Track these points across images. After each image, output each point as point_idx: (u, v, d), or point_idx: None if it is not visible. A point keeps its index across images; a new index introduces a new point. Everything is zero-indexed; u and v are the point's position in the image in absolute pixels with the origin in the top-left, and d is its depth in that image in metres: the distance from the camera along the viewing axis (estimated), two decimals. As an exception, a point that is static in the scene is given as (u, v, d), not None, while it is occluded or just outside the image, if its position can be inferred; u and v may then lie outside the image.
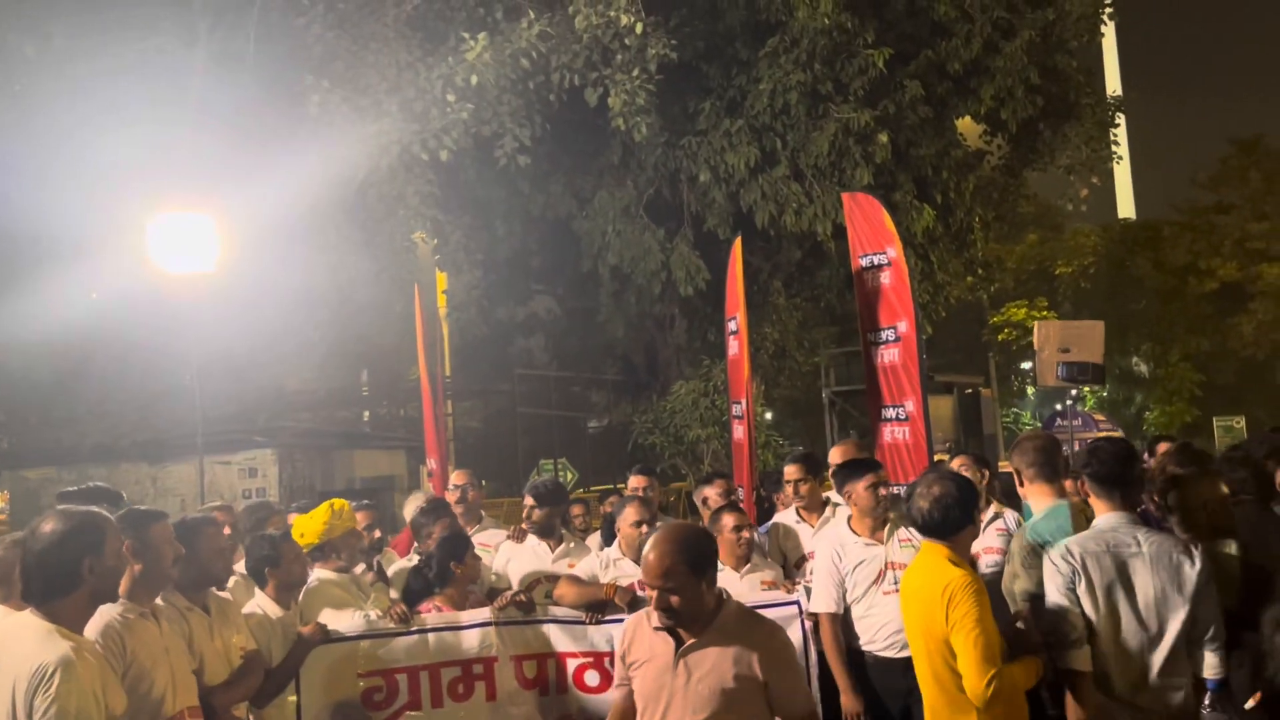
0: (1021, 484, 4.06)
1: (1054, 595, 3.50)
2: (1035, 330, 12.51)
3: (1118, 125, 18.30)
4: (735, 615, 3.22)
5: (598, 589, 4.97)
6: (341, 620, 4.56)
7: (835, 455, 5.63)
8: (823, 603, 4.82)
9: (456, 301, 15.75)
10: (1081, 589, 3.46)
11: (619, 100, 11.78)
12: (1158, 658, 3.41)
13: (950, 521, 3.51)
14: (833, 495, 5.45)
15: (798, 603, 4.98)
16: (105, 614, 3.26)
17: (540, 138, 12.12)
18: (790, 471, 5.57)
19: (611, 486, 9.20)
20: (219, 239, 9.06)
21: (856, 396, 21.72)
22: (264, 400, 13.52)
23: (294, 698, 4.41)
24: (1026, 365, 40.75)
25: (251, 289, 10.68)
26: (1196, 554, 3.48)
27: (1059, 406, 36.65)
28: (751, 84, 13.97)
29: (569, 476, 17.69)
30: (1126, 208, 61.47)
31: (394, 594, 5.11)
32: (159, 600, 3.61)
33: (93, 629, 3.18)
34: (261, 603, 4.40)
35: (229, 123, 10.19)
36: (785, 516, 5.73)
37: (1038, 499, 3.99)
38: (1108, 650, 3.44)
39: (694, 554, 3.11)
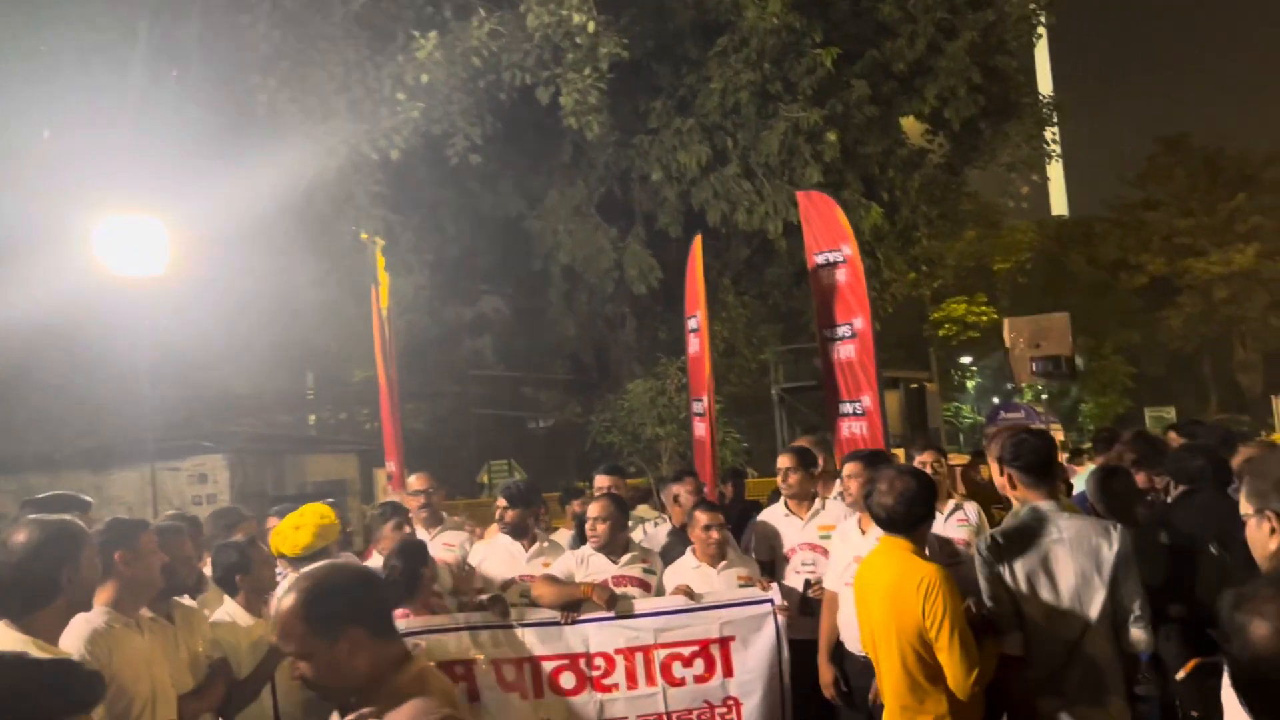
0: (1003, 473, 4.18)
1: (983, 584, 3.60)
2: (1005, 327, 12.83)
3: (1054, 124, 18.74)
4: (412, 682, 2.24)
5: (575, 588, 4.98)
6: None
7: (785, 460, 5.70)
8: (831, 581, 4.91)
9: (405, 303, 15.58)
10: (1007, 576, 3.55)
11: (570, 99, 11.75)
12: (1083, 639, 3.50)
13: (914, 516, 3.59)
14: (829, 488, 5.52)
15: (770, 600, 5.04)
16: (89, 623, 3.18)
17: (491, 137, 12.05)
18: (782, 460, 5.61)
19: (581, 485, 9.19)
20: (166, 241, 8.85)
21: (804, 393, 21.96)
22: (210, 405, 13.24)
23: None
24: (966, 359, 41.55)
25: (199, 292, 10.46)
26: (1115, 535, 3.58)
27: (995, 400, 37.42)
28: (702, 83, 14.05)
29: (518, 477, 17.63)
30: (1060, 205, 62.92)
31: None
32: (144, 610, 3.53)
33: (76, 639, 3.09)
34: (231, 610, 4.31)
35: (174, 123, 9.97)
36: (773, 511, 5.77)
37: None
38: (1033, 636, 3.53)
39: (321, 608, 2.19)
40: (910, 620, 3.45)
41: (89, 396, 10.41)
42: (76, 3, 10.28)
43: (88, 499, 4.35)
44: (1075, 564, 3.53)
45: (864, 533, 4.82)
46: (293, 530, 4.62)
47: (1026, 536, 3.59)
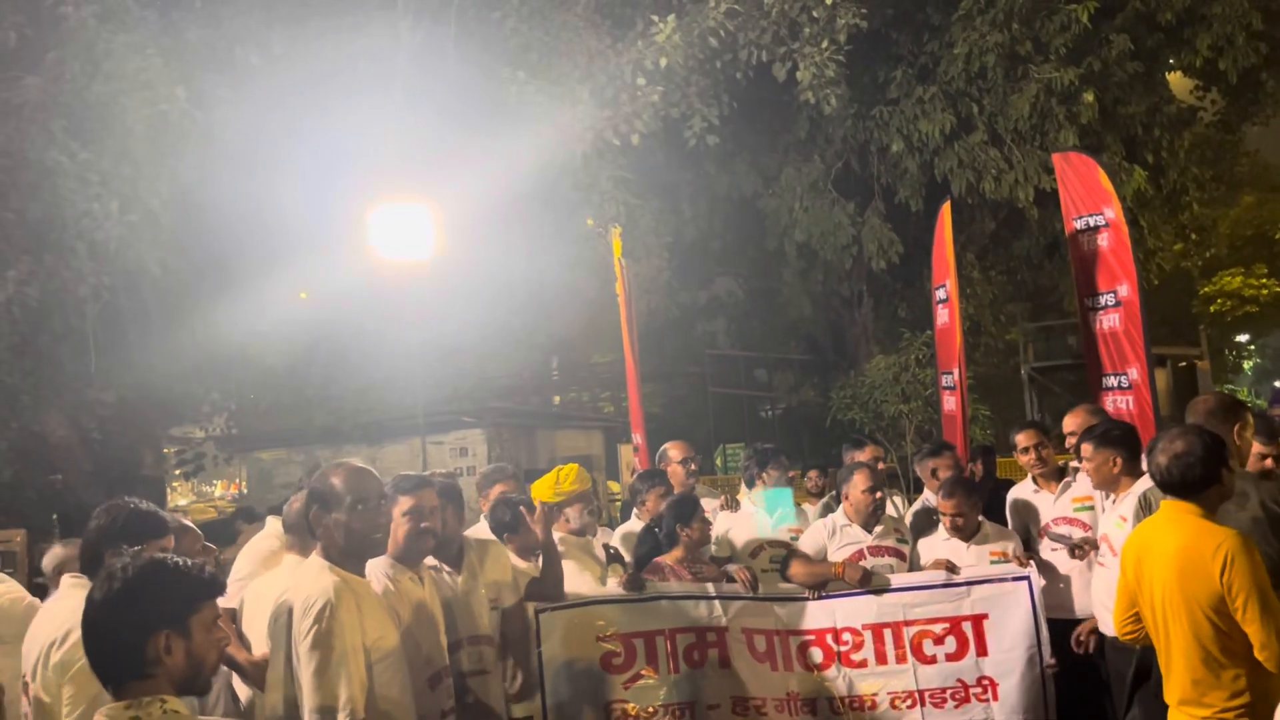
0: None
1: None
2: None
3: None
4: None
5: (827, 567, 4.99)
6: (579, 588, 4.72)
7: (1071, 422, 5.40)
8: None
9: (645, 285, 15.96)
10: None
11: (808, 73, 11.62)
12: None
13: (1195, 477, 3.33)
14: (1071, 462, 5.25)
15: (1028, 577, 4.85)
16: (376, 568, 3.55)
17: (727, 117, 12.11)
18: (1023, 438, 5.39)
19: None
20: (433, 228, 9.51)
21: (1056, 373, 20.78)
22: (469, 385, 14.10)
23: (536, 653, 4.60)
24: (1243, 337, 37.91)
25: (459, 278, 11.15)
26: None
27: (1278, 384, 33.96)
28: (944, 49, 13.52)
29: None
30: (1357, 162, 56.09)
31: (626, 556, 5.27)
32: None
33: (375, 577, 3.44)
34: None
35: (434, 117, 10.66)
36: (1023, 488, 5.56)
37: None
38: None
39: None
40: (1206, 589, 3.19)
41: (366, 375, 11.33)
42: (347, 13, 11.20)
43: None
44: None
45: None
46: (554, 481, 4.88)
47: None
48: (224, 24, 9.58)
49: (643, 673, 4.71)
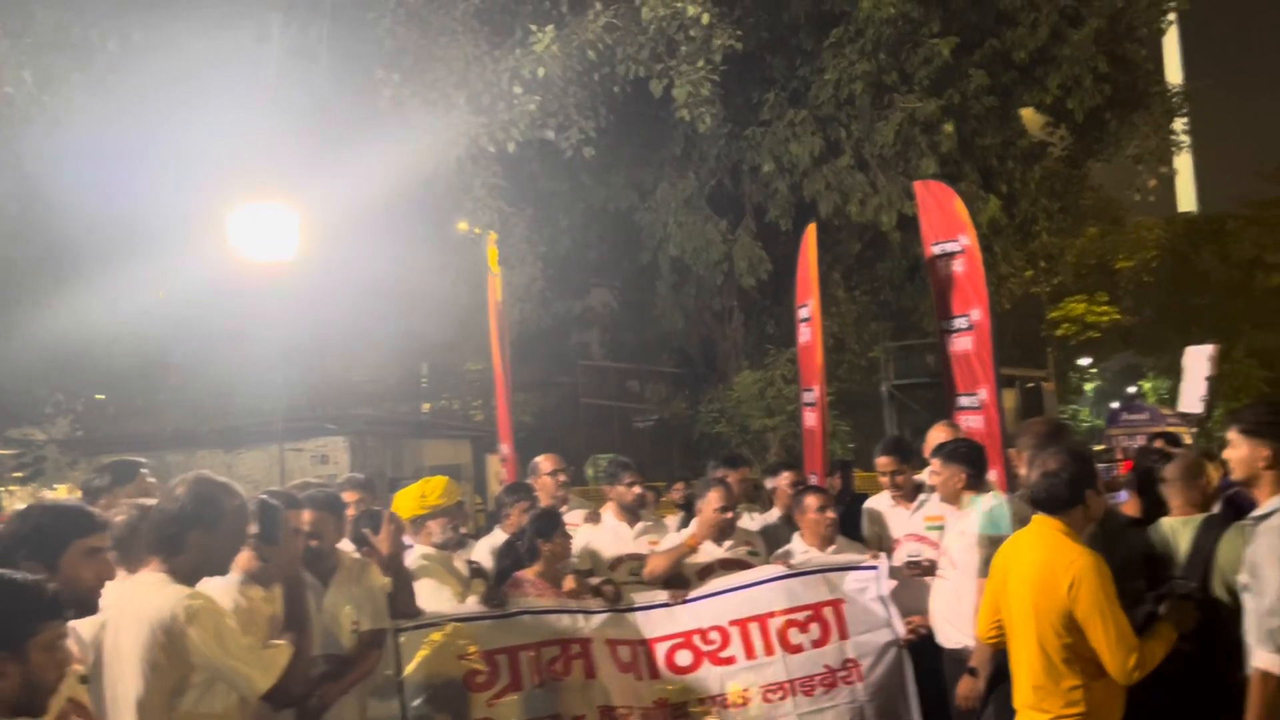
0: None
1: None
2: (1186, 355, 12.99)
3: (1184, 114, 17.97)
4: None
5: (681, 545, 5.12)
6: (438, 605, 4.64)
7: (933, 438, 5.62)
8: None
9: (518, 294, 15.87)
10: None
11: (683, 91, 11.81)
12: None
13: (1063, 497, 3.53)
14: (925, 478, 5.45)
15: (876, 567, 5.03)
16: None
17: (604, 129, 12.19)
18: (885, 463, 5.58)
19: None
20: (297, 229, 9.24)
21: (915, 390, 21.56)
22: (333, 391, 13.75)
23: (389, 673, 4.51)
24: (1085, 361, 40.15)
25: (324, 281, 10.87)
26: None
27: (1115, 405, 36.07)
28: (815, 74, 13.94)
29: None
30: (1188, 201, 60.17)
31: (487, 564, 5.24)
32: None
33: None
34: None
35: (304, 117, 10.37)
36: (880, 499, 5.74)
37: None
38: None
39: None
40: (1054, 602, 3.39)
41: (223, 379, 10.91)
42: (215, 5, 10.80)
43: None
44: None
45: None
46: (420, 493, 4.80)
47: None
48: (80, 6, 9.10)
49: (507, 689, 4.66)
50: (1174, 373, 32.44)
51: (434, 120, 11.00)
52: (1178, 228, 41.66)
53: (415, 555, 4.83)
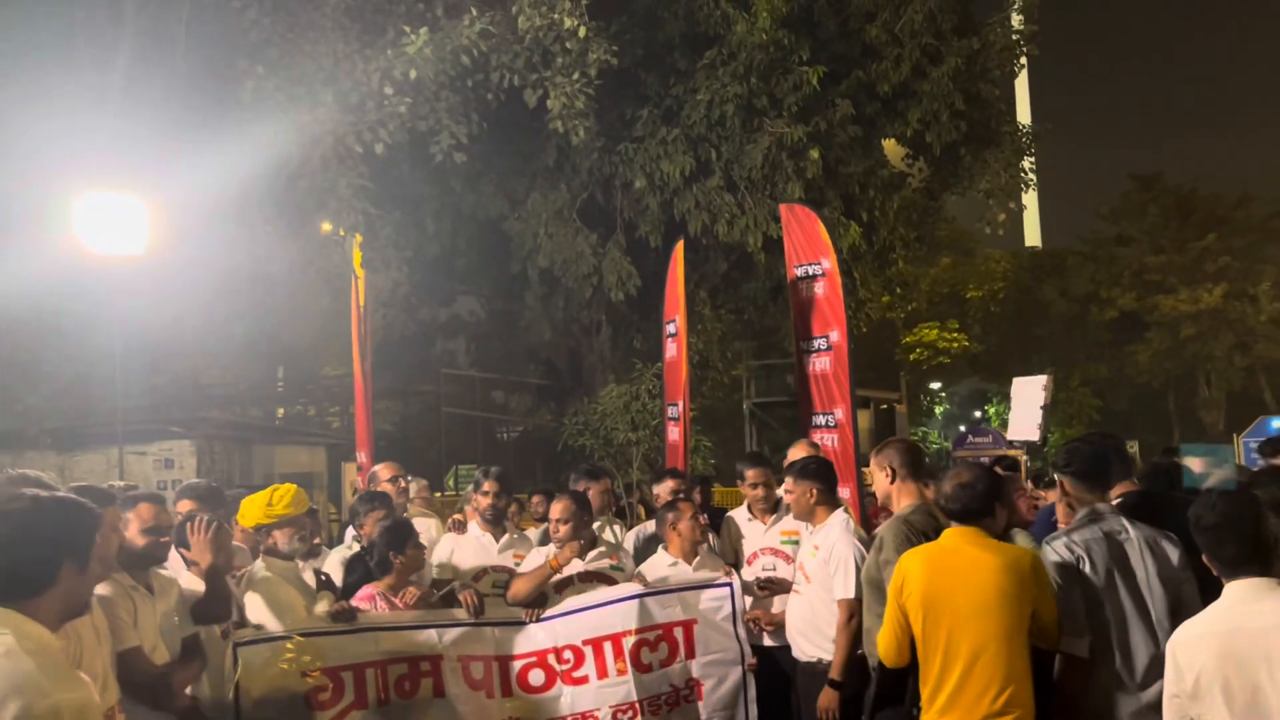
0: (892, 481, 4.35)
1: (1058, 583, 3.62)
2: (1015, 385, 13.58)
3: (1032, 154, 18.97)
4: None
5: (545, 567, 5.03)
6: (281, 617, 4.46)
7: (795, 454, 5.74)
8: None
9: (382, 298, 15.52)
10: (1086, 572, 3.60)
11: (558, 102, 11.79)
12: (1154, 641, 3.53)
13: (985, 506, 3.72)
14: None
15: (730, 585, 5.10)
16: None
17: (476, 136, 12.05)
18: (755, 475, 5.66)
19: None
20: (147, 222, 8.80)
21: (775, 409, 22.06)
22: (180, 392, 13.12)
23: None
24: (935, 385, 41.91)
25: (175, 278, 10.39)
26: (1176, 541, 3.64)
27: (962, 428, 37.77)
28: (689, 94, 14.12)
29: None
30: (1034, 237, 63.70)
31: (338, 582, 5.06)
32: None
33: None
34: (190, 583, 4.28)
35: (159, 105, 9.91)
36: (738, 513, 5.83)
37: (906, 495, 4.33)
38: (1114, 636, 3.57)
39: None
40: (1023, 594, 3.54)
41: (58, 376, 10.28)
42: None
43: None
44: (1148, 565, 3.60)
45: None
46: (267, 501, 4.61)
47: (1099, 535, 3.67)
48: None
49: (351, 707, 4.52)
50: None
51: (299, 116, 10.67)
52: (1023, 261, 44.01)
53: (259, 565, 4.64)
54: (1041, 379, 20.56)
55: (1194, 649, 2.90)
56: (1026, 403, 21.19)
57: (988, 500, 3.70)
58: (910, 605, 3.66)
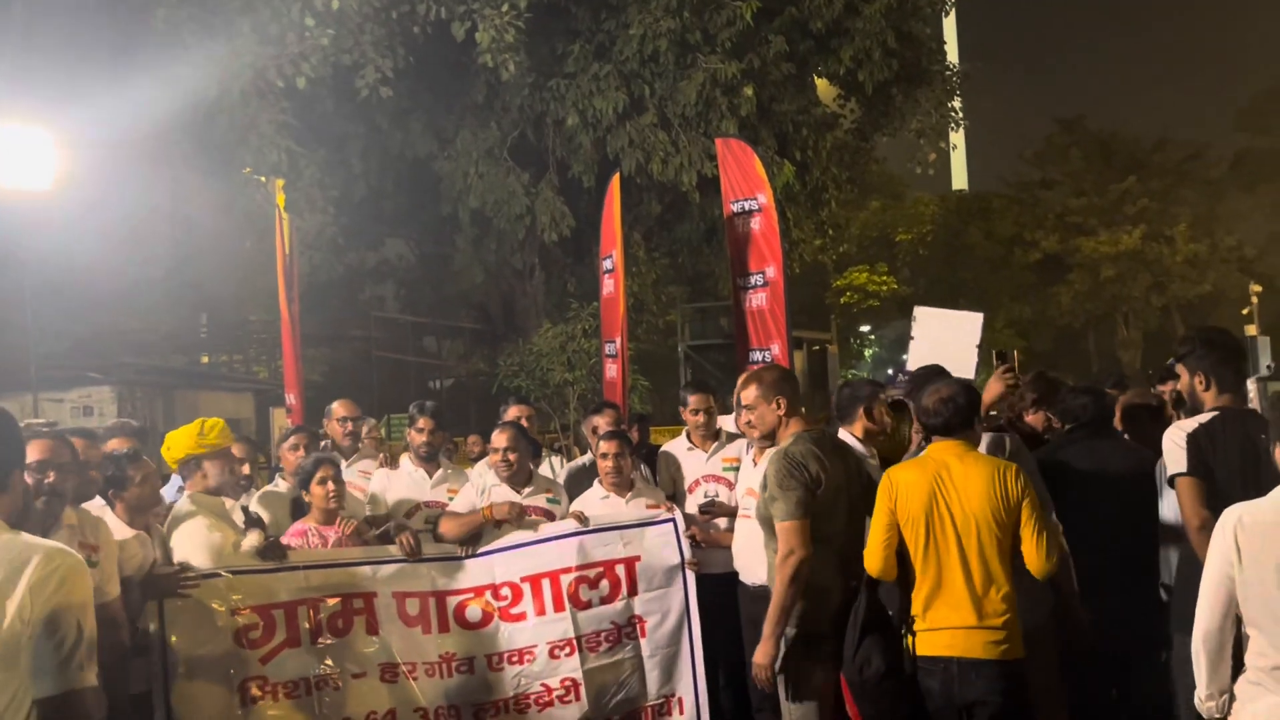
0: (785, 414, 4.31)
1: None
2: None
3: (957, 97, 19.08)
4: None
5: (476, 515, 4.95)
6: (209, 555, 4.33)
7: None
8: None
9: (308, 241, 15.08)
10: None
11: (487, 36, 11.47)
12: None
13: (967, 417, 3.82)
14: (725, 422, 5.53)
15: (673, 520, 5.08)
16: None
17: (403, 71, 11.70)
18: (697, 401, 5.60)
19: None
20: (54, 156, 8.37)
21: (710, 351, 22.14)
22: (99, 338, 12.65)
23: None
24: (866, 328, 42.46)
25: (89, 215, 9.95)
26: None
27: (890, 370, 38.42)
28: (621, 29, 13.87)
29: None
30: (961, 180, 64.56)
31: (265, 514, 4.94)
32: None
33: None
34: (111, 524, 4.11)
35: (65, 33, 9.40)
36: (675, 444, 5.79)
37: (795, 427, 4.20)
38: None
39: None
40: (1009, 505, 3.64)
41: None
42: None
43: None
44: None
45: (755, 464, 4.86)
46: (198, 431, 4.44)
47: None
48: None
49: (282, 645, 4.42)
50: (944, 340, 34.83)
51: (215, 48, 10.23)
52: (950, 205, 44.54)
53: (184, 502, 4.49)
54: (977, 315, 20.42)
55: (1267, 532, 2.77)
56: (950, 337, 20.81)
57: (969, 413, 3.80)
58: (904, 518, 3.73)
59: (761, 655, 3.95)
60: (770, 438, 4.26)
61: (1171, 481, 3.76)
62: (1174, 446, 3.72)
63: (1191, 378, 3.83)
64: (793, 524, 3.89)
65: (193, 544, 4.26)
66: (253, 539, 4.47)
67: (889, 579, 3.82)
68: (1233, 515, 2.83)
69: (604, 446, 5.20)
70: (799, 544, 3.87)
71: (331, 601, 4.59)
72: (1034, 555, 3.66)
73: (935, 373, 4.48)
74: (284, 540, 4.64)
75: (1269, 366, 12.06)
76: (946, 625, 3.65)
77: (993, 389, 4.72)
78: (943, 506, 3.68)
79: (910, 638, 3.72)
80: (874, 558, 3.81)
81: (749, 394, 4.25)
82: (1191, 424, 3.77)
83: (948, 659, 3.63)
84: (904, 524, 3.73)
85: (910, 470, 3.83)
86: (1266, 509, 2.80)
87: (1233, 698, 2.83)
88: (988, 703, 3.61)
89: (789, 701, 4.03)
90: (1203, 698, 2.86)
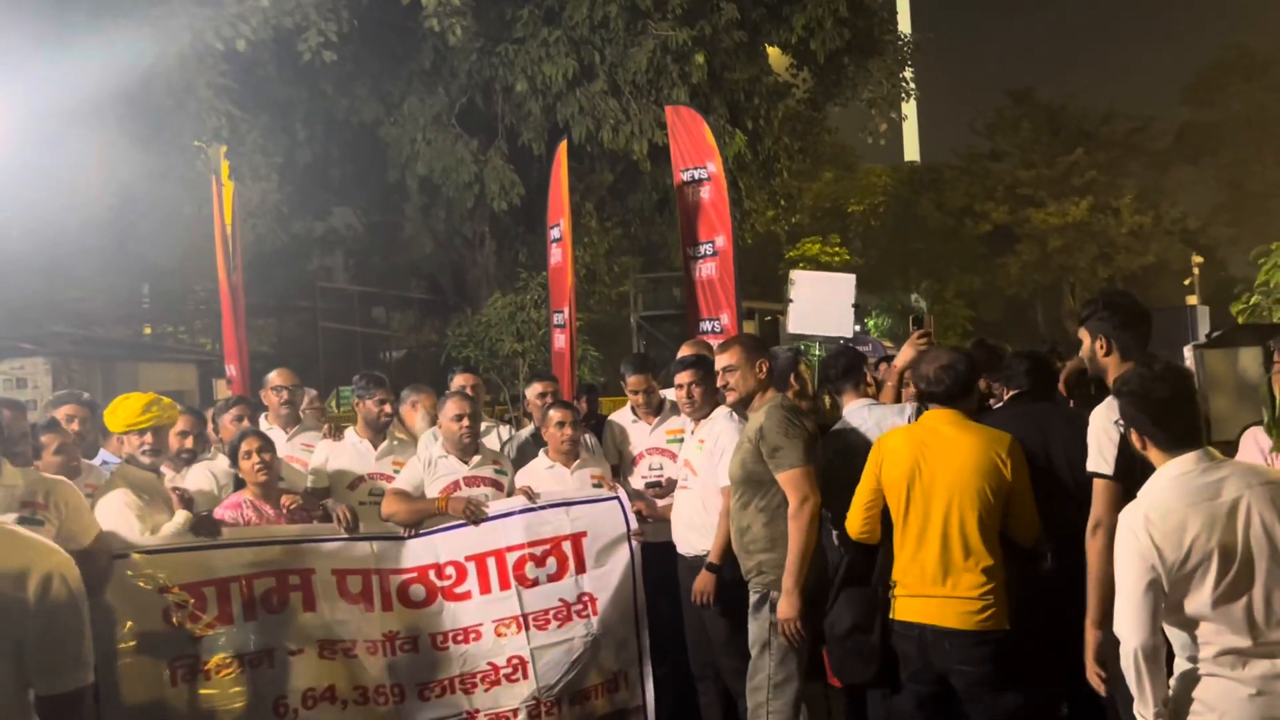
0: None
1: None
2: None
3: (909, 67, 19.09)
4: None
5: (429, 504, 4.89)
6: (133, 529, 4.21)
7: (688, 350, 5.63)
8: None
9: (251, 208, 14.76)
10: None
11: (433, -1, 11.24)
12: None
13: (966, 387, 3.88)
14: (668, 394, 5.50)
15: (618, 497, 5.07)
16: None
17: (347, 35, 11.42)
18: (636, 381, 5.57)
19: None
20: (-20, 119, 8.05)
21: (663, 322, 22.09)
22: (30, 309, 12.28)
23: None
24: (819, 298, 42.65)
25: (18, 179, 9.62)
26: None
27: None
28: (571, -7, 13.66)
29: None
30: (913, 151, 64.90)
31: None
32: None
33: None
34: None
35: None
36: (621, 415, 5.76)
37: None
38: None
39: None
40: (994, 477, 3.65)
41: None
42: None
43: None
44: None
45: (693, 434, 4.93)
46: (140, 406, 4.31)
47: None
48: None
49: (215, 622, 4.32)
50: (894, 311, 35.09)
51: (151, 7, 9.91)
52: (902, 176, 44.75)
53: (114, 474, 4.36)
54: (849, 276, 19.66)
55: (1181, 522, 2.60)
56: (826, 298, 19.50)
57: (969, 382, 3.84)
58: (888, 483, 3.75)
59: (789, 608, 3.95)
60: (745, 403, 4.31)
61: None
62: (1105, 440, 3.35)
63: (1093, 342, 3.57)
64: (803, 469, 3.95)
65: (119, 521, 4.14)
66: (178, 520, 4.34)
67: (871, 542, 3.87)
68: (1137, 517, 2.66)
69: (554, 415, 5.15)
70: (811, 489, 3.94)
71: (266, 578, 4.50)
72: (1019, 527, 3.73)
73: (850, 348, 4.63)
74: (217, 513, 4.53)
75: (1207, 335, 12.28)
76: (920, 593, 3.67)
77: (905, 354, 4.75)
78: (926, 475, 3.68)
79: (891, 601, 3.76)
80: (854, 520, 3.88)
81: (732, 355, 4.28)
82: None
83: (921, 625, 3.67)
84: (887, 489, 3.76)
85: (899, 437, 3.87)
86: (1167, 497, 2.65)
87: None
88: (963, 671, 3.63)
89: (772, 660, 4.04)
90: (1150, 716, 2.63)
